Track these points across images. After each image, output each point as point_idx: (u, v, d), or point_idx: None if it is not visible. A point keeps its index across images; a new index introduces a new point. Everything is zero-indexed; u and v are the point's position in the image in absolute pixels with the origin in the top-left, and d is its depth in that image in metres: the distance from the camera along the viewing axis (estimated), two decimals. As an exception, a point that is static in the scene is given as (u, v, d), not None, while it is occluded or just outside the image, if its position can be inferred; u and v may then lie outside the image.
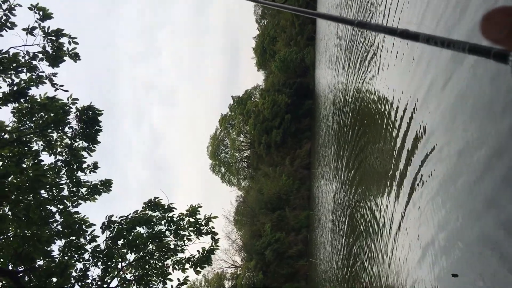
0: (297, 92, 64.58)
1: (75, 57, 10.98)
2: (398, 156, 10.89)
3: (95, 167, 11.64)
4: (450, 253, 7.28)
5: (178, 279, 11.51)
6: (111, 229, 11.06)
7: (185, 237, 11.77)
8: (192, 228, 11.77)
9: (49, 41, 10.61)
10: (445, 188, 7.51)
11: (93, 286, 10.71)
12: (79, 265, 10.72)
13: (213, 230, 11.88)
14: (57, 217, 10.62)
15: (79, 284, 10.55)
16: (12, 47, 10.45)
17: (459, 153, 6.93)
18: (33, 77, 10.87)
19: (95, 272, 10.82)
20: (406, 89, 10.50)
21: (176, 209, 11.81)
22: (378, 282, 13.07)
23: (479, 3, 6.33)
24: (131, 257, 11.31)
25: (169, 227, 11.71)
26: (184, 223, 11.84)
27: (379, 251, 13.08)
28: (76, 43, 10.82)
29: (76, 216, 10.75)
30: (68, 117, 10.99)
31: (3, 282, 10.10)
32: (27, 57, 10.66)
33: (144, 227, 11.40)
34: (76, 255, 10.68)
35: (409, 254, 9.78)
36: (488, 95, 5.87)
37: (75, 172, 11.34)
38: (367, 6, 17.18)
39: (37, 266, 10.01)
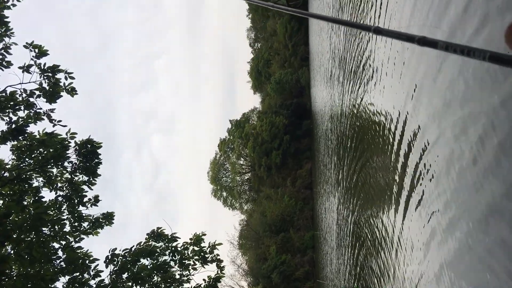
0: (295, 113, 64.87)
1: (72, 91, 11.04)
2: (398, 167, 10.86)
3: (96, 200, 11.59)
4: (458, 267, 7.19)
5: (186, 310, 11.34)
6: (115, 262, 10.93)
7: (190, 266, 11.63)
8: (197, 257, 11.64)
9: (45, 77, 10.69)
10: (449, 197, 7.46)
11: (99, 322, 10.52)
12: (84, 302, 10.56)
13: (218, 257, 11.76)
14: (60, 253, 10.51)
15: (85, 321, 10.37)
16: (9, 86, 10.53)
17: (461, 161, 6.91)
18: (31, 114, 10.91)
19: (100, 308, 10.65)
20: (401, 98, 10.53)
21: (179, 238, 11.71)
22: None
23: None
24: (136, 290, 11.15)
25: (173, 257, 11.58)
26: (189, 252, 11.71)
27: (387, 266, 12.92)
28: (72, 77, 10.91)
29: (79, 251, 10.65)
30: (67, 152, 11.00)
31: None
32: (24, 95, 10.73)
33: (148, 258, 11.27)
34: (80, 292, 10.52)
35: (417, 267, 9.66)
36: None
37: (77, 207, 11.29)
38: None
39: (41, 305, 9.85)
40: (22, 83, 10.59)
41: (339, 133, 26.16)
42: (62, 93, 10.94)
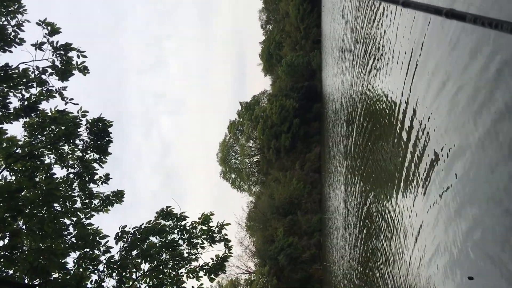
0: (305, 96, 64.52)
1: (84, 70, 11.08)
2: (407, 151, 10.83)
3: (107, 178, 11.72)
4: (467, 255, 7.21)
5: (193, 287, 11.52)
6: (125, 239, 11.09)
7: (198, 245, 11.77)
8: (205, 236, 11.77)
9: (58, 55, 10.73)
10: (460, 186, 7.45)
11: (109, 297, 10.74)
12: (94, 277, 10.75)
13: (226, 237, 11.87)
14: (71, 229, 10.69)
15: (95, 295, 10.59)
16: (22, 63, 10.58)
17: (472, 150, 6.88)
18: (43, 91, 10.98)
19: (110, 283, 10.85)
20: (415, 86, 10.45)
21: (188, 217, 11.83)
22: (393, 283, 12.97)
23: None
24: (145, 267, 11.32)
25: (182, 236, 11.71)
26: (197, 231, 11.84)
27: (393, 251, 12.99)
28: (84, 56, 10.94)
29: (89, 228, 10.82)
30: (78, 130, 11.08)
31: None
32: (36, 72, 10.78)
33: (157, 236, 11.42)
34: (90, 267, 10.71)
35: (424, 255, 9.70)
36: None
37: (87, 184, 11.42)
38: None
39: (52, 279, 10.06)
40: (35, 61, 10.64)
41: (349, 116, 26.04)
42: (74, 71, 10.99)
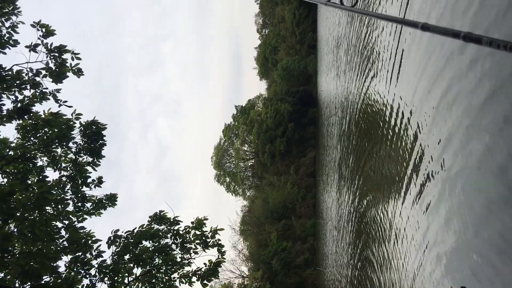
0: (301, 101, 64.64)
1: (78, 72, 11.03)
2: (404, 160, 10.83)
3: (100, 181, 11.66)
4: (460, 263, 7.20)
5: (185, 293, 11.46)
6: (117, 244, 11.02)
7: (192, 250, 11.72)
8: (198, 241, 11.72)
9: (52, 57, 10.68)
10: (453, 192, 7.45)
11: (100, 302, 10.65)
12: (86, 281, 10.67)
13: (219, 242, 11.83)
14: (63, 232, 10.61)
15: (86, 300, 10.50)
16: (16, 65, 10.53)
17: (467, 155, 6.88)
18: (37, 93, 10.93)
19: (102, 287, 10.77)
20: (409, 92, 10.47)
21: (182, 222, 11.78)
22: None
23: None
24: (137, 271, 11.25)
25: (175, 240, 11.66)
26: (191, 236, 11.79)
27: (386, 257, 12.98)
28: (79, 58, 10.89)
29: (81, 231, 10.74)
30: (72, 132, 11.03)
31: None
32: (30, 74, 10.74)
33: (150, 241, 11.36)
34: (82, 271, 10.63)
35: (416, 261, 9.69)
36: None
37: (80, 187, 11.36)
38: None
39: (43, 282, 9.96)
40: (29, 62, 10.59)
41: (345, 122, 26.10)
42: (68, 74, 10.94)
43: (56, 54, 10.67)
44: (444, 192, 7.86)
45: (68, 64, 10.84)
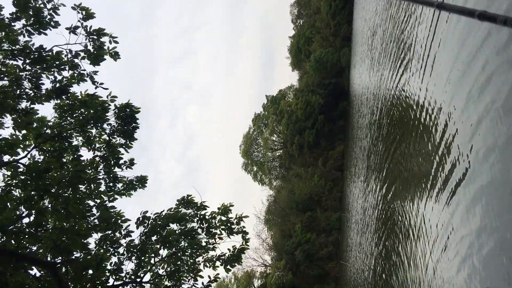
0: (332, 93, 64.03)
1: (115, 56, 11.25)
2: (436, 157, 10.68)
3: (131, 163, 11.92)
4: (489, 263, 7.10)
5: (209, 276, 11.66)
6: (146, 224, 11.29)
7: (217, 235, 11.89)
8: (223, 227, 11.87)
9: (90, 40, 10.93)
10: (487, 191, 7.33)
11: (127, 280, 10.96)
12: (114, 259, 11.00)
13: (244, 229, 11.95)
14: (94, 211, 10.93)
15: (114, 277, 10.82)
16: (56, 46, 10.81)
17: (502, 154, 6.75)
18: (75, 74, 11.22)
19: (129, 266, 11.08)
20: (446, 88, 10.28)
21: (208, 207, 11.95)
22: (410, 286, 12.87)
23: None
24: (163, 253, 11.52)
25: (201, 225, 11.85)
26: (216, 222, 11.95)
27: (412, 255, 12.87)
28: (116, 42, 11.11)
29: (112, 210, 11.05)
30: (107, 114, 11.30)
31: (42, 272, 10.47)
32: (69, 56, 11.02)
33: (177, 224, 11.58)
34: (111, 249, 10.96)
35: (445, 261, 9.59)
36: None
37: (112, 168, 11.65)
38: None
39: (74, 258, 10.32)
40: (68, 44, 10.87)
41: (376, 111, 25.78)
42: (105, 57, 11.18)
43: (95, 37, 10.91)
44: (473, 190, 7.74)
45: (106, 47, 11.07)
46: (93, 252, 10.64)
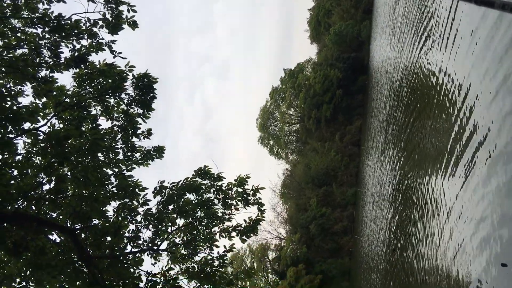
0: (351, 67, 63.14)
1: (133, 25, 11.19)
2: (455, 135, 10.52)
3: (149, 133, 11.99)
4: (504, 240, 7.04)
5: (225, 246, 11.80)
6: (163, 194, 11.40)
7: (233, 206, 11.95)
8: (239, 198, 11.92)
9: (109, 8, 10.86)
10: (504, 171, 7.21)
11: (144, 247, 11.17)
12: (132, 227, 11.19)
13: (260, 201, 11.99)
14: (112, 179, 11.07)
15: (131, 244, 11.03)
16: (74, 14, 10.78)
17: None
18: (93, 43, 11.19)
19: (146, 234, 11.27)
20: (468, 67, 10.03)
21: (225, 178, 11.99)
22: (425, 263, 12.88)
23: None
24: (180, 222, 11.65)
25: (217, 196, 11.91)
26: (232, 193, 11.99)
27: (428, 231, 12.83)
28: (134, 11, 11.02)
29: (130, 179, 11.18)
30: (125, 84, 11.30)
31: (62, 238, 10.73)
32: (88, 24, 10.98)
33: (194, 194, 11.66)
34: (129, 217, 11.14)
35: (460, 238, 9.54)
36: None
37: (130, 138, 11.73)
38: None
39: (92, 224, 10.54)
40: (87, 12, 10.82)
41: (395, 91, 25.40)
42: (123, 25, 11.12)
43: (113, 5, 10.83)
44: (493, 170, 7.62)
45: (124, 16, 11.01)
46: (111, 220, 10.83)
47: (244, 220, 11.93)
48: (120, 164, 11.48)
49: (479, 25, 9.15)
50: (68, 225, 10.43)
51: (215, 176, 11.96)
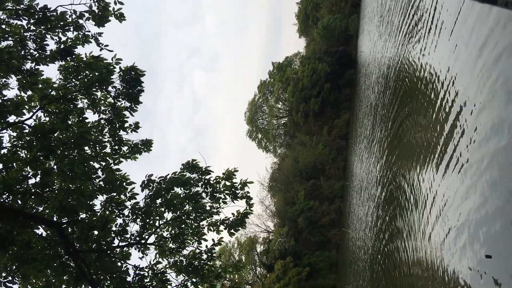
0: (339, 61, 63.30)
1: (120, 17, 11.07)
2: (440, 129, 10.62)
3: (136, 126, 11.90)
4: (487, 232, 7.14)
5: (213, 240, 11.83)
6: (150, 188, 11.36)
7: (221, 200, 11.95)
8: (228, 192, 11.92)
9: (95, 0, 10.73)
10: (487, 164, 7.30)
11: (132, 241, 11.13)
12: (119, 220, 11.14)
13: (248, 194, 12.00)
14: (100, 173, 10.98)
15: (119, 238, 10.99)
16: (60, 6, 10.63)
17: (505, 128, 6.69)
18: (80, 36, 11.05)
19: (134, 228, 11.23)
20: (455, 60, 10.12)
21: (213, 172, 11.96)
22: (410, 255, 13.02)
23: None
24: (168, 216, 11.62)
25: (205, 189, 11.89)
26: (220, 186, 11.98)
27: (413, 224, 12.97)
28: (121, 3, 10.90)
29: (117, 173, 11.10)
30: (111, 77, 11.19)
31: (49, 232, 10.64)
32: (74, 16, 10.83)
33: (182, 188, 11.64)
34: (116, 211, 11.07)
35: (444, 229, 9.66)
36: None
37: (118, 131, 11.63)
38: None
39: (80, 219, 10.46)
40: (73, 4, 10.67)
41: (383, 85, 25.54)
42: (110, 18, 10.99)
43: (99, -3, 10.71)
44: (478, 162, 7.71)
45: (110, 8, 10.88)
46: (98, 214, 10.76)
47: (232, 214, 11.95)
48: (107, 158, 11.37)
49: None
50: (55, 219, 10.33)
51: (203, 169, 11.92)
